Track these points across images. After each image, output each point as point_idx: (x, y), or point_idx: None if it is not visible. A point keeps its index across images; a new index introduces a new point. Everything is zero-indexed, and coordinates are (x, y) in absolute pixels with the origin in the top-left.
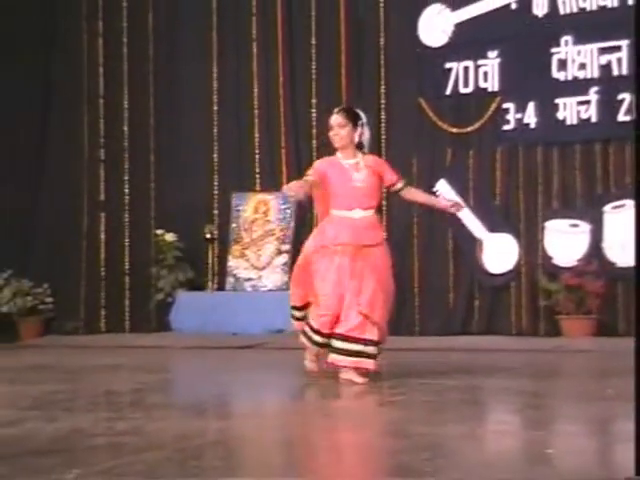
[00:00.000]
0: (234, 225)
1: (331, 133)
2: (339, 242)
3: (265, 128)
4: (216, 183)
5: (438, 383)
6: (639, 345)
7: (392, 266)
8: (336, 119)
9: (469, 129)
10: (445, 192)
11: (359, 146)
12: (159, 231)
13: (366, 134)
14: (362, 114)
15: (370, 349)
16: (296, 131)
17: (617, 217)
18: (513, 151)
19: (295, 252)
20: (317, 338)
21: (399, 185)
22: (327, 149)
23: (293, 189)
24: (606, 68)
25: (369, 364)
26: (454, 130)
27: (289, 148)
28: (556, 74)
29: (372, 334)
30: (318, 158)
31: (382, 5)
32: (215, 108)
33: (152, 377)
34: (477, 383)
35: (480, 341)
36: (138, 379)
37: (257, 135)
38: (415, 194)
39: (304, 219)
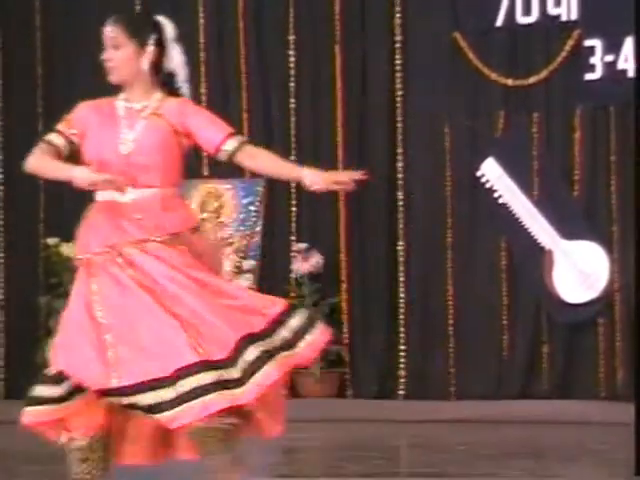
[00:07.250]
0: None
1: (104, 56)
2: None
3: (216, 75)
4: None
5: (485, 475)
6: (639, 347)
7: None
8: (109, 34)
9: (532, 80)
10: (494, 177)
11: (164, 80)
12: (51, 240)
13: (175, 58)
14: (163, 22)
15: None
16: (264, 81)
17: None
18: (601, 114)
19: (265, 272)
20: None
21: (229, 146)
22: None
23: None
24: None
25: None
26: (509, 82)
27: (252, 107)
28: None
29: None
30: (299, 123)
31: None
32: None
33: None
34: (549, 475)
35: (550, 408)
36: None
37: (204, 86)
38: (262, 159)
39: (280, 220)
